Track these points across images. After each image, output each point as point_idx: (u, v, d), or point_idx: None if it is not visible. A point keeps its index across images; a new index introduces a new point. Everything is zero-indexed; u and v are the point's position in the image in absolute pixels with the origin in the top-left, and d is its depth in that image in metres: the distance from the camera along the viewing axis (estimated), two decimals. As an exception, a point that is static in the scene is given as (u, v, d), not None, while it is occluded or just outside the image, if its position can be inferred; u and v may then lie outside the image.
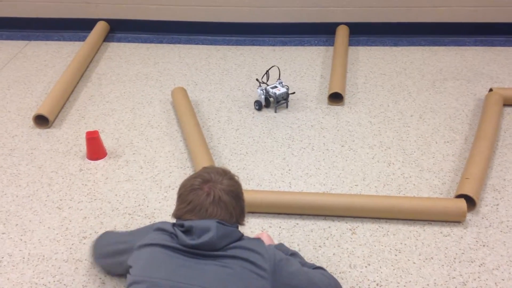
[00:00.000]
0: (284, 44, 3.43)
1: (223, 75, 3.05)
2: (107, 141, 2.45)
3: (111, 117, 2.66)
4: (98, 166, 2.29)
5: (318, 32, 3.47)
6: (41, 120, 2.56)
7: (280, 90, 2.62)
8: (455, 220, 1.92)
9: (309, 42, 3.43)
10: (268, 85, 2.68)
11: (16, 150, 2.39)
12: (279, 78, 2.75)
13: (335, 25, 3.44)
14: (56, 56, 3.28)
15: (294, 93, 2.76)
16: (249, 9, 3.42)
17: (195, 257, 1.35)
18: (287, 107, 2.70)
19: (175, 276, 1.31)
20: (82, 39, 3.49)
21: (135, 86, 2.93)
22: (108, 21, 3.55)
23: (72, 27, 3.59)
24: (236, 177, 1.47)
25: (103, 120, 2.62)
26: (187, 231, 1.36)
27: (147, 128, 2.56)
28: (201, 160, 2.20)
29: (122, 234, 1.72)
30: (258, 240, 1.44)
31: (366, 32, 3.43)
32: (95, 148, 2.31)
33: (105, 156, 2.35)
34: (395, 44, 3.34)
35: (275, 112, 2.65)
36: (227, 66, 3.15)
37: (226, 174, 1.43)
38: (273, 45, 3.41)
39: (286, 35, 3.50)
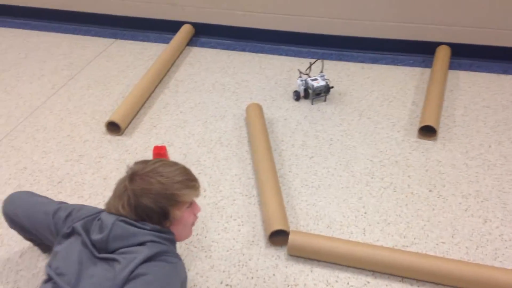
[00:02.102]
0: (374, 61, 3.14)
1: (313, 101, 2.84)
2: (174, 156, 2.34)
3: (182, 129, 2.55)
4: (161, 183, 2.18)
5: (415, 51, 3.15)
6: (114, 127, 2.51)
7: (319, 83, 2.67)
8: None
9: (403, 62, 3.11)
10: (309, 76, 2.73)
11: (85, 157, 2.35)
12: (321, 72, 2.77)
13: (435, 44, 3.09)
14: (138, 58, 3.25)
15: (333, 87, 2.78)
16: (340, 21, 3.17)
17: (94, 254, 1.30)
18: (325, 100, 2.74)
19: (76, 274, 1.27)
20: (167, 41, 3.44)
21: (211, 97, 2.81)
22: (194, 24, 3.47)
23: (158, 28, 3.55)
24: (177, 170, 1.37)
25: (173, 132, 2.52)
26: (100, 224, 1.33)
27: (217, 146, 2.42)
28: (267, 190, 2.01)
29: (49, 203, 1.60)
30: (167, 266, 1.27)
31: (470, 55, 3.05)
32: (160, 164, 2.21)
33: (170, 173, 2.24)
34: (504, 72, 2.93)
35: (312, 104, 2.71)
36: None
37: (165, 163, 1.37)
38: (362, 62, 3.14)
39: (378, 51, 3.21)
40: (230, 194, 2.11)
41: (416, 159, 2.27)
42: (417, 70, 3.02)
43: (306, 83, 2.71)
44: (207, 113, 2.68)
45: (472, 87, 2.81)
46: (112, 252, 1.29)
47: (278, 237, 1.85)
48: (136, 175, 1.34)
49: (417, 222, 1.93)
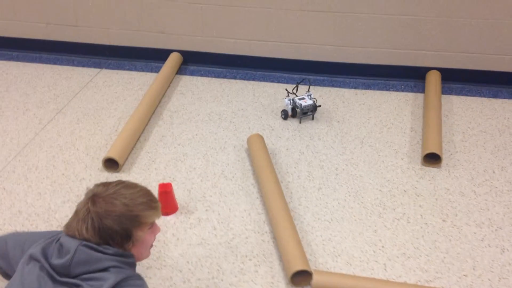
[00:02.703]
0: (367, 87, 3.16)
1: (302, 120, 2.81)
2: (178, 192, 2.26)
3: (182, 163, 2.47)
4: (168, 223, 2.10)
5: (405, 76, 3.18)
6: (111, 163, 2.41)
7: (306, 102, 2.73)
8: None
9: (395, 87, 3.14)
10: (296, 95, 2.79)
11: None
12: (308, 91, 2.84)
13: (425, 69, 3.14)
14: (127, 88, 3.15)
15: (320, 106, 2.83)
16: (332, 48, 3.18)
17: (54, 277, 1.26)
18: (312, 119, 2.80)
19: None
20: (154, 69, 3.37)
21: (208, 128, 2.75)
22: (182, 52, 3.41)
23: (145, 57, 3.47)
24: (140, 191, 1.37)
25: (174, 166, 2.44)
26: (60, 247, 1.30)
27: (221, 180, 2.35)
28: (281, 227, 1.96)
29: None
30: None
31: (460, 79, 3.11)
32: (167, 203, 2.12)
33: (176, 211, 2.16)
34: (494, 96, 3.00)
35: (300, 122, 2.76)
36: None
37: (122, 183, 1.36)
38: (355, 88, 3.15)
39: (370, 77, 3.23)
40: (242, 232, 2.04)
41: (424, 187, 2.27)
42: (410, 95, 3.05)
43: (294, 102, 2.78)
44: (206, 144, 2.61)
45: (466, 111, 2.85)
46: (74, 277, 1.27)
47: (298, 277, 1.79)
48: (98, 197, 1.34)
49: (437, 254, 1.91)
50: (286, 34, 3.20)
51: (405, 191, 2.25)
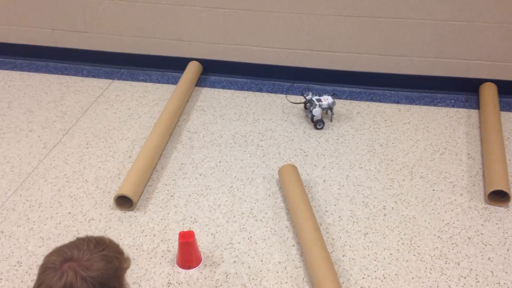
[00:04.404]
0: (410, 101, 2.79)
1: (339, 143, 2.47)
2: (200, 237, 1.94)
3: (205, 198, 2.15)
4: (190, 279, 1.78)
5: (455, 89, 2.81)
6: (123, 200, 2.10)
7: (327, 100, 2.57)
8: None
9: (443, 101, 2.77)
10: (311, 99, 2.59)
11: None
12: (312, 94, 2.64)
13: (478, 81, 2.76)
14: (142, 103, 2.83)
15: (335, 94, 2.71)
16: (370, 57, 2.82)
17: None
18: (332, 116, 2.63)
19: None
20: (171, 80, 3.04)
21: (233, 153, 2.42)
22: (201, 61, 3.07)
23: (160, 66, 3.14)
24: (111, 255, 1.11)
25: (195, 203, 2.12)
26: None
27: (250, 220, 2.03)
28: (324, 285, 1.63)
29: None
30: None
31: (518, 93, 2.73)
32: (188, 254, 1.81)
33: (199, 263, 1.84)
34: (561, 113, 2.62)
35: (331, 121, 2.62)
36: (342, 131, 2.56)
37: (97, 248, 1.10)
38: (397, 102, 2.78)
39: (414, 89, 2.86)
40: (278, 293, 1.72)
41: (491, 233, 1.92)
42: (462, 111, 2.68)
43: (313, 104, 2.58)
44: (231, 175, 2.28)
45: (530, 132, 2.48)
46: None
47: None
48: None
49: (518, 329, 1.57)
50: (319, 41, 2.84)
51: (469, 238, 1.90)
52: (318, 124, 2.55)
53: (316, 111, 2.53)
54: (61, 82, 3.07)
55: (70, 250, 1.10)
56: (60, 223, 2.03)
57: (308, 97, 2.61)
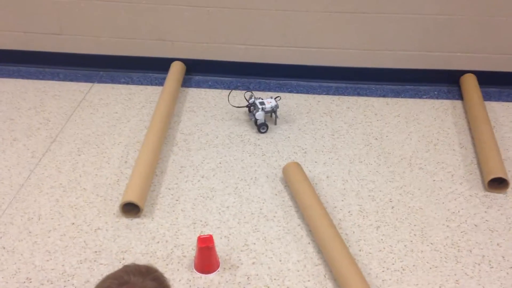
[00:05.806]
0: (396, 94, 2.86)
1: (335, 139, 2.50)
2: (215, 241, 1.90)
3: (212, 200, 2.12)
4: (212, 283, 1.76)
5: (437, 81, 2.90)
6: (129, 207, 2.03)
7: (271, 103, 2.52)
8: None
9: (427, 93, 2.86)
10: (254, 102, 2.54)
11: (103, 253, 1.86)
12: (254, 97, 2.58)
13: (458, 73, 2.87)
14: (128, 106, 2.75)
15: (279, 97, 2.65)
16: (356, 52, 2.86)
17: None
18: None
19: None
20: (155, 82, 2.97)
21: (232, 153, 2.39)
22: (184, 60, 3.01)
23: (142, 67, 3.05)
24: (162, 278, 1.14)
25: (203, 206, 2.09)
26: None
27: (261, 221, 2.02)
28: (352, 285, 1.65)
29: None
30: None
31: (497, 83, 2.85)
32: (208, 259, 1.78)
33: (218, 267, 1.82)
34: (540, 101, 2.76)
35: (275, 124, 2.59)
36: (337, 126, 2.59)
37: (149, 274, 1.13)
38: (384, 96, 2.85)
39: (398, 82, 2.93)
40: (303, 291, 1.73)
41: (495, 220, 2.00)
42: (446, 103, 2.77)
43: (256, 107, 2.52)
44: (234, 175, 2.26)
45: (513, 120, 2.61)
46: None
47: None
48: None
49: (536, 309, 1.65)
50: (304, 38, 2.85)
51: (475, 226, 1.98)
52: (261, 127, 2.52)
53: (259, 115, 2.49)
54: (37, 88, 2.92)
55: (125, 275, 1.11)
56: (64, 234, 1.94)
57: (251, 101, 2.57)
